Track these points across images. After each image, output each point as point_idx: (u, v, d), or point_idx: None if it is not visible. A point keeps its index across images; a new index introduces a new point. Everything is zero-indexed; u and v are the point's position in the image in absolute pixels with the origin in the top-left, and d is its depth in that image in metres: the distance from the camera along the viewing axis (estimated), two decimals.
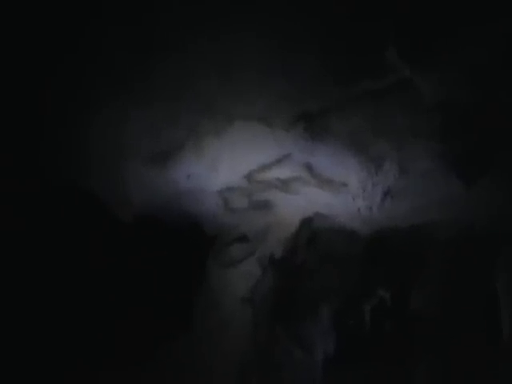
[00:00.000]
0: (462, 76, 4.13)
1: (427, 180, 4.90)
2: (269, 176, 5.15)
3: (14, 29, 3.96)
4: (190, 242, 5.98)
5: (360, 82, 4.28)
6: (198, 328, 6.02)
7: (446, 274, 5.73)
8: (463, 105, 4.31)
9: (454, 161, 4.60)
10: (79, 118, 4.74)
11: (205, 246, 6.05)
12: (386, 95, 4.38)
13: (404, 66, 4.04)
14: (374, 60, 4.07)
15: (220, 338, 5.95)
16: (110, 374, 5.59)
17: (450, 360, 5.42)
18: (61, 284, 5.68)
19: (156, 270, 5.94)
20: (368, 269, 6.03)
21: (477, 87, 4.20)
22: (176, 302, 5.98)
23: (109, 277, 5.86)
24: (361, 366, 5.74)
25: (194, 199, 5.50)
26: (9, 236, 5.36)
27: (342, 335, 5.87)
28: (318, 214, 5.71)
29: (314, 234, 5.97)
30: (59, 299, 5.65)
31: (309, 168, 4.96)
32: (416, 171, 4.84)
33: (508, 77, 4.11)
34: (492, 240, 5.36)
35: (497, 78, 4.13)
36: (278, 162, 4.93)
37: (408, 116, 4.48)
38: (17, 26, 3.95)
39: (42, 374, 5.44)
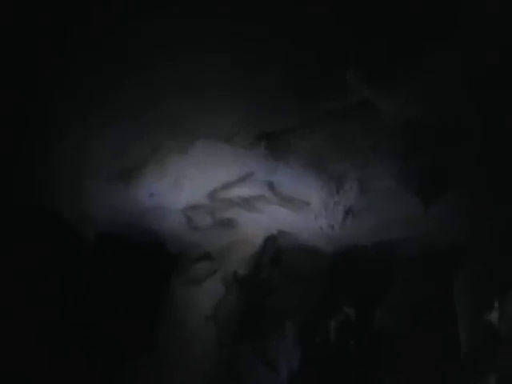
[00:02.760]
0: (422, 98, 4.22)
1: (388, 199, 4.99)
2: (232, 194, 5.18)
3: None
4: (153, 259, 5.95)
5: (322, 103, 4.34)
6: (162, 346, 5.97)
7: (409, 290, 5.81)
8: (422, 126, 4.40)
9: (413, 180, 4.69)
10: (42, 136, 4.70)
11: (168, 263, 6.02)
12: (347, 115, 4.45)
13: (364, 87, 4.11)
14: (336, 81, 4.13)
15: (184, 355, 5.91)
16: None
17: (414, 374, 5.48)
18: (24, 300, 5.59)
19: (119, 287, 5.89)
20: (332, 286, 6.08)
21: (436, 110, 4.30)
22: (140, 320, 5.93)
23: (71, 295, 5.78)
24: (325, 383, 5.76)
25: (158, 217, 5.49)
26: None
27: (306, 352, 5.89)
28: (282, 231, 5.74)
29: (278, 252, 6.00)
30: (20, 316, 5.56)
31: (271, 187, 5.01)
32: (377, 190, 4.93)
33: (467, 99, 4.22)
34: (450, 257, 5.46)
35: (456, 100, 4.23)
36: (241, 180, 4.97)
37: (369, 136, 4.56)
38: None
39: None
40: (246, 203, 5.27)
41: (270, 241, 5.87)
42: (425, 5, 3.57)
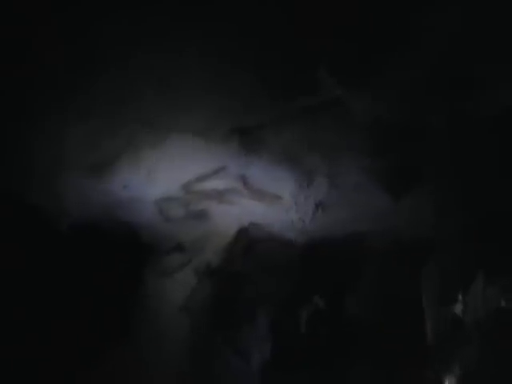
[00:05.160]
0: (391, 97, 4.32)
1: (357, 194, 5.09)
2: (205, 187, 5.24)
3: None
4: (126, 251, 5.96)
5: (294, 99, 4.41)
6: (135, 338, 5.99)
7: (378, 282, 5.91)
8: (392, 124, 4.50)
9: (382, 176, 4.79)
10: (19, 130, 4.70)
11: (142, 255, 6.04)
12: (319, 112, 4.53)
13: (335, 85, 4.19)
14: (308, 78, 4.20)
15: (158, 347, 5.95)
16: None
17: (383, 362, 5.58)
18: None
19: (93, 279, 5.89)
20: (304, 277, 6.15)
21: (405, 108, 4.40)
22: (113, 311, 5.94)
23: (45, 286, 5.77)
24: (297, 372, 5.84)
25: (131, 209, 5.51)
26: None
27: (278, 342, 5.95)
28: (254, 223, 5.81)
29: (250, 243, 6.05)
30: None
31: (243, 180, 5.09)
32: (346, 185, 5.03)
33: (433, 100, 4.32)
34: (418, 250, 5.56)
35: (424, 100, 4.34)
36: (214, 173, 5.03)
37: (340, 132, 4.65)
38: None
39: None
40: (219, 196, 5.34)
41: (242, 232, 5.93)
42: (393, 6, 3.65)
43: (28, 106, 4.44)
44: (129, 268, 6.02)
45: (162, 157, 4.91)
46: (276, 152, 4.79)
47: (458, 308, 5.09)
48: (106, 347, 5.85)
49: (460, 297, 5.09)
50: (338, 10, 3.71)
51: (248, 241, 6.01)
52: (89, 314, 5.81)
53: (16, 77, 4.12)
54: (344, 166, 4.87)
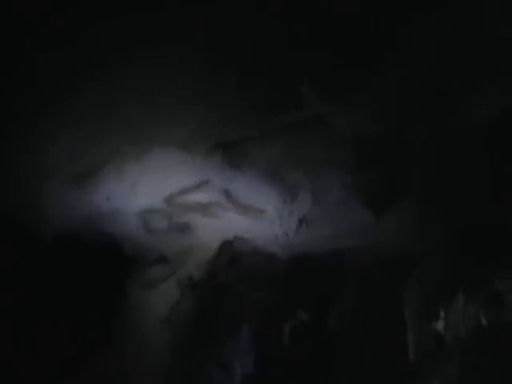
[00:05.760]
0: (372, 113, 4.34)
1: (340, 209, 5.10)
2: (188, 200, 5.24)
3: None
4: (109, 262, 5.94)
5: (278, 114, 4.43)
6: (117, 348, 5.97)
7: (360, 296, 5.92)
8: (373, 139, 4.53)
9: (364, 191, 4.82)
10: (2, 138, 4.68)
11: (125, 266, 6.02)
12: (302, 128, 4.57)
13: (318, 101, 4.21)
14: (292, 94, 4.22)
15: (139, 358, 5.92)
16: None
17: (364, 377, 5.59)
18: None
19: (75, 290, 5.86)
20: (287, 290, 6.15)
21: (386, 124, 4.43)
22: (95, 322, 5.92)
23: (28, 296, 5.75)
24: None
25: (114, 220, 5.51)
26: None
27: (261, 355, 5.95)
28: (238, 237, 5.80)
29: (234, 257, 6.05)
30: None
31: (227, 194, 5.09)
32: (329, 201, 5.04)
33: (415, 114, 4.35)
34: (400, 265, 5.58)
35: (405, 115, 4.37)
36: (197, 187, 5.04)
37: (323, 148, 4.68)
38: None
39: None
40: (203, 209, 5.34)
41: (226, 245, 5.92)
42: (380, 19, 3.69)
43: (11, 112, 4.42)
44: (111, 279, 6.00)
45: (146, 169, 4.91)
46: (260, 167, 4.81)
47: (440, 325, 5.09)
48: (89, 357, 5.84)
49: (442, 313, 5.09)
50: (326, 23, 3.73)
51: (232, 254, 6.01)
52: (71, 324, 5.79)
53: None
54: (327, 182, 4.88)
